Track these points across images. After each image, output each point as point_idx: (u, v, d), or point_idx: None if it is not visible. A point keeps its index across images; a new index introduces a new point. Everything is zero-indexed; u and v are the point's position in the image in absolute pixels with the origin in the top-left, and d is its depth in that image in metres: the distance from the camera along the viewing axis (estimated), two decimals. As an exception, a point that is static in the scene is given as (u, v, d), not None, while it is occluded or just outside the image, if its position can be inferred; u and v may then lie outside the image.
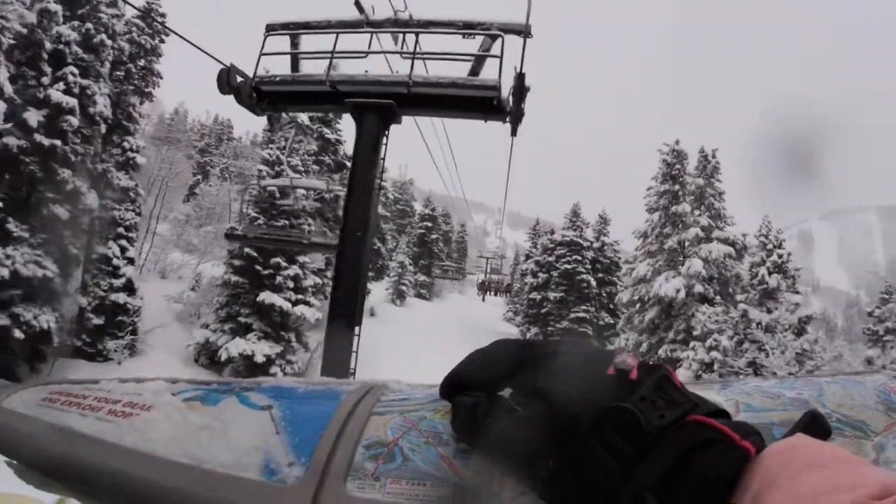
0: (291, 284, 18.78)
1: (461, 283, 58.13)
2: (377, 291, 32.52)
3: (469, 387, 0.83)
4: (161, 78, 21.39)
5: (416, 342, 27.73)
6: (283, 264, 18.96)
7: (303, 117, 28.03)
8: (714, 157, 20.97)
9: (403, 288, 36.32)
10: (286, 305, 19.90)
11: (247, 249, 18.58)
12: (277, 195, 19.96)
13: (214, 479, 0.82)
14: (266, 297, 18.30)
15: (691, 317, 18.61)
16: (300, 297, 19.27)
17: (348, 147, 29.67)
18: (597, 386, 0.72)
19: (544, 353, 0.84)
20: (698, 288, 18.61)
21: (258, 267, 18.64)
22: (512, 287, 48.02)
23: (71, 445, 0.87)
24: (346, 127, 29.47)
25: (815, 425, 0.63)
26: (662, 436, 0.64)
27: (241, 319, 18.45)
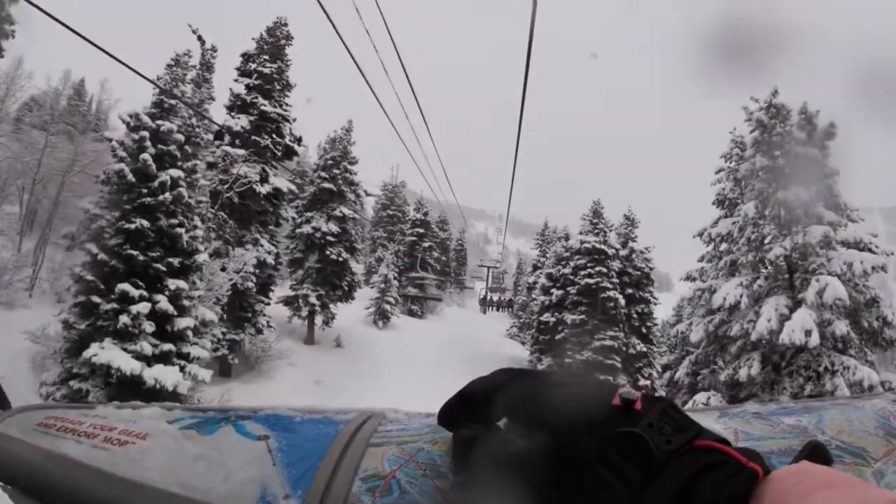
0: (151, 328, 7.27)
1: (461, 295, 52.33)
2: (350, 313, 28.43)
3: (468, 418, 0.80)
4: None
5: (374, 384, 20.42)
6: (136, 294, 7.71)
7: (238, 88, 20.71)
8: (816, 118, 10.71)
9: (387, 306, 32.94)
10: (132, 366, 11.30)
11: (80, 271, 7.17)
12: (131, 177, 8.40)
13: None
14: (97, 352, 6.49)
15: (823, 375, 7.80)
16: (167, 346, 7.69)
17: (299, 126, 22.14)
18: (602, 416, 0.71)
19: (546, 383, 0.81)
20: (839, 327, 8.08)
21: (97, 299, 6.89)
22: (514, 302, 44.71)
23: (66, 472, 0.83)
24: (297, 100, 16.93)
25: (816, 455, 0.64)
26: (669, 461, 0.64)
27: (75, 384, 6.23)
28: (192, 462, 0.80)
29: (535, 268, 38.54)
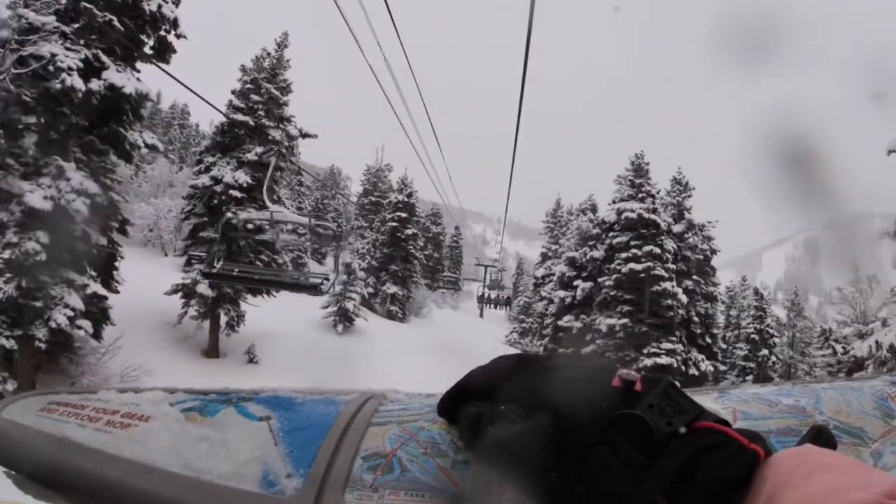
0: None
1: (455, 297, 44.73)
2: (301, 313, 20.48)
3: (472, 399, 0.81)
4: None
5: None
6: None
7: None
8: None
9: (350, 305, 22.75)
10: None
11: None
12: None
13: (213, 490, 0.80)
14: None
15: None
16: None
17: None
18: (603, 396, 0.71)
19: (546, 366, 0.81)
20: None
21: None
22: (512, 300, 40.45)
23: (70, 456, 0.83)
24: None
25: (820, 438, 0.66)
26: (670, 442, 0.65)
27: None
28: (195, 443, 0.83)
29: (545, 258, 29.70)
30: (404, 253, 33.87)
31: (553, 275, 27.23)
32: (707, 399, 0.86)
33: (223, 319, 16.45)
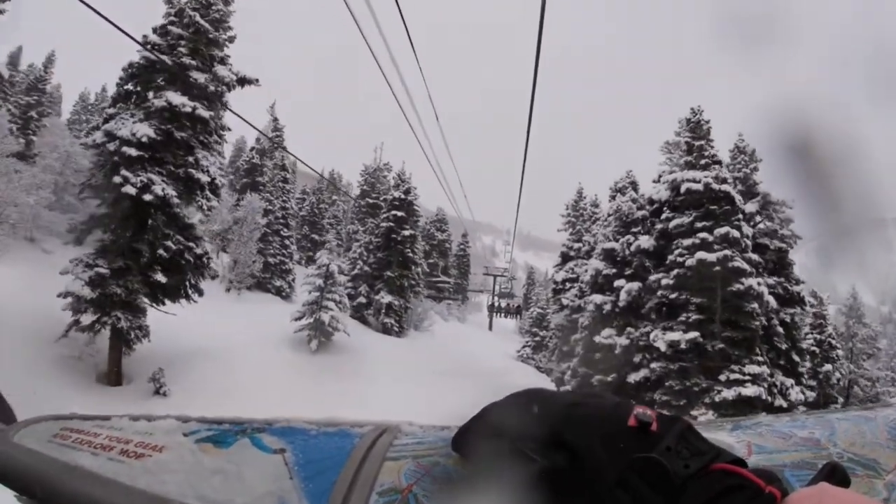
0: None
1: (462, 309, 40.48)
2: (230, 324, 16.02)
3: (487, 435, 0.83)
4: None
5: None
6: None
7: None
8: None
9: (327, 316, 17.97)
10: None
11: None
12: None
13: None
14: None
15: None
16: None
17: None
18: (619, 437, 0.72)
19: (562, 403, 0.83)
20: None
21: None
22: (523, 309, 38.10)
23: (83, 485, 0.81)
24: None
25: (835, 475, 0.66)
26: (687, 485, 0.66)
27: None
28: (210, 475, 0.82)
29: (566, 258, 24.52)
30: (401, 257, 29.65)
31: (576, 279, 22.53)
32: (721, 432, 0.84)
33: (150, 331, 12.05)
